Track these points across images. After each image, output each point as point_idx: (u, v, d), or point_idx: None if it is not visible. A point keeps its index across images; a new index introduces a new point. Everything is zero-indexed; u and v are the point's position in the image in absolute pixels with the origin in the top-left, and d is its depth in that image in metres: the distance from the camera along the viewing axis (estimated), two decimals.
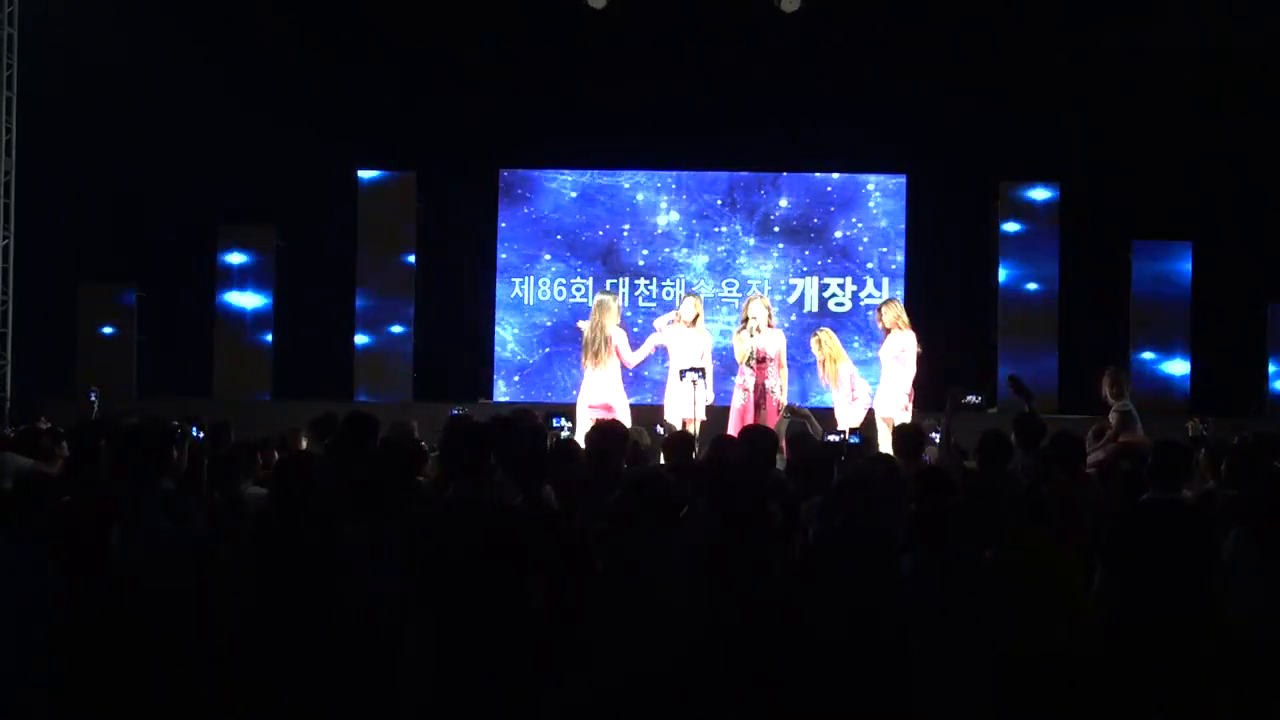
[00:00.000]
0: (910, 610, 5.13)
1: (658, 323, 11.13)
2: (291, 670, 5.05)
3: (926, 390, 10.55)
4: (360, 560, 5.08)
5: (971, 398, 7.63)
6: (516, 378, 14.29)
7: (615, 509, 5.20)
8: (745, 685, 5.02)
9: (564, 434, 7.51)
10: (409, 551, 4.84)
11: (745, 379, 10.40)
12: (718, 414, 10.68)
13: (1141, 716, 5.33)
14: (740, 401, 10.39)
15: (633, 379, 11.33)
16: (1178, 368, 13.71)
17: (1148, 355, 13.76)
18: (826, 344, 10.73)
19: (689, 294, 11.64)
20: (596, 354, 10.33)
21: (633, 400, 10.86)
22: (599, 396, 10.31)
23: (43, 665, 5.04)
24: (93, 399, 10.84)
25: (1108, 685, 5.33)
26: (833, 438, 7.87)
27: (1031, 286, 14.01)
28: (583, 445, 6.80)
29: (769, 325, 10.50)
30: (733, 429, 9.93)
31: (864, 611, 5.10)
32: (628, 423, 9.19)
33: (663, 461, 7.08)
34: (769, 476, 6.10)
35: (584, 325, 10.64)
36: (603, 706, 4.95)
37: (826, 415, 10.27)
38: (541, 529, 4.99)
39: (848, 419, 10.38)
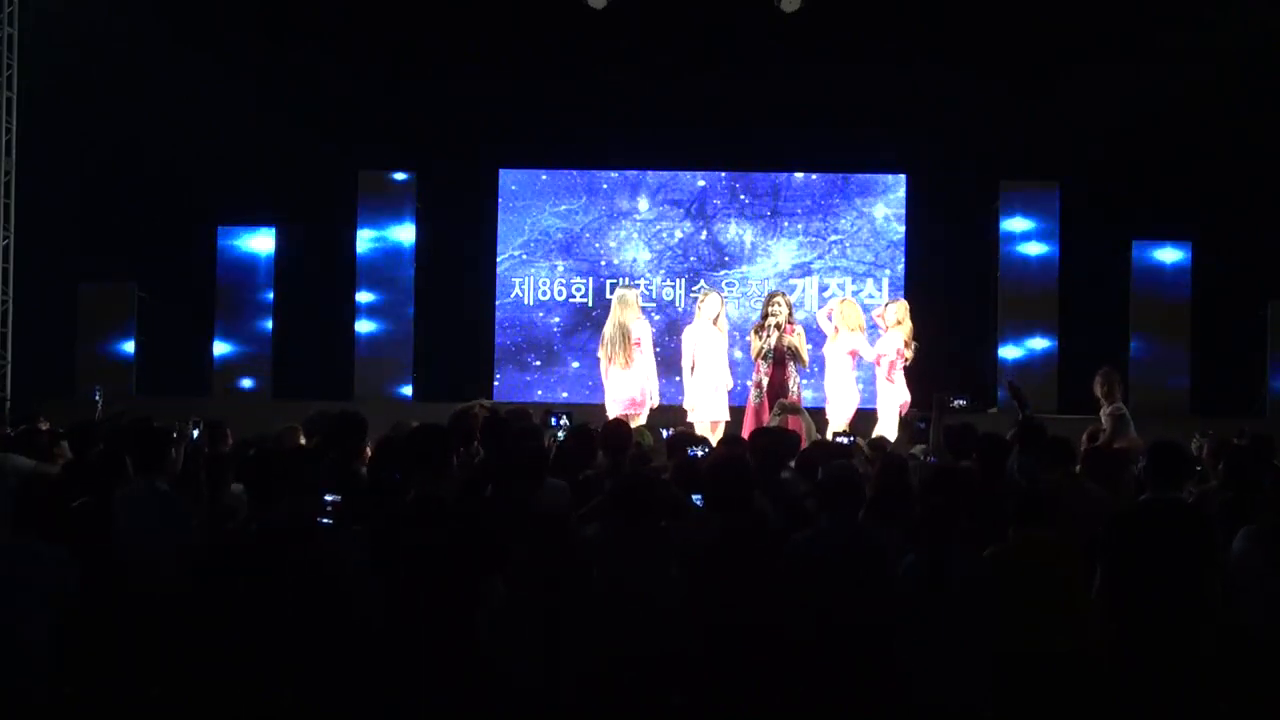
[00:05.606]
0: (908, 610, 5.11)
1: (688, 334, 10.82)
2: (287, 665, 5.05)
3: (913, 392, 10.52)
4: (356, 557, 5.08)
5: (959, 401, 7.61)
6: (517, 376, 14.27)
7: (608, 510, 5.20)
8: (738, 687, 5.01)
9: (560, 435, 7.48)
10: (374, 549, 4.85)
11: (761, 376, 10.33)
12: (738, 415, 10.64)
13: (1141, 716, 5.32)
14: (753, 400, 10.34)
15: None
16: (1177, 368, 13.68)
17: (1147, 356, 13.73)
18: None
19: (708, 292, 11.01)
20: (616, 353, 10.13)
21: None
22: (625, 393, 10.14)
23: (45, 663, 5.04)
24: (97, 399, 10.83)
25: (1108, 685, 5.32)
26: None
27: (1031, 286, 13.99)
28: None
29: (789, 322, 10.39)
30: (746, 427, 9.91)
31: (853, 613, 5.09)
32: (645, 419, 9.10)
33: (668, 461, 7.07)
34: (775, 479, 6.10)
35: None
36: (596, 705, 4.95)
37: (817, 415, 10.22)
38: (502, 530, 4.97)
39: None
